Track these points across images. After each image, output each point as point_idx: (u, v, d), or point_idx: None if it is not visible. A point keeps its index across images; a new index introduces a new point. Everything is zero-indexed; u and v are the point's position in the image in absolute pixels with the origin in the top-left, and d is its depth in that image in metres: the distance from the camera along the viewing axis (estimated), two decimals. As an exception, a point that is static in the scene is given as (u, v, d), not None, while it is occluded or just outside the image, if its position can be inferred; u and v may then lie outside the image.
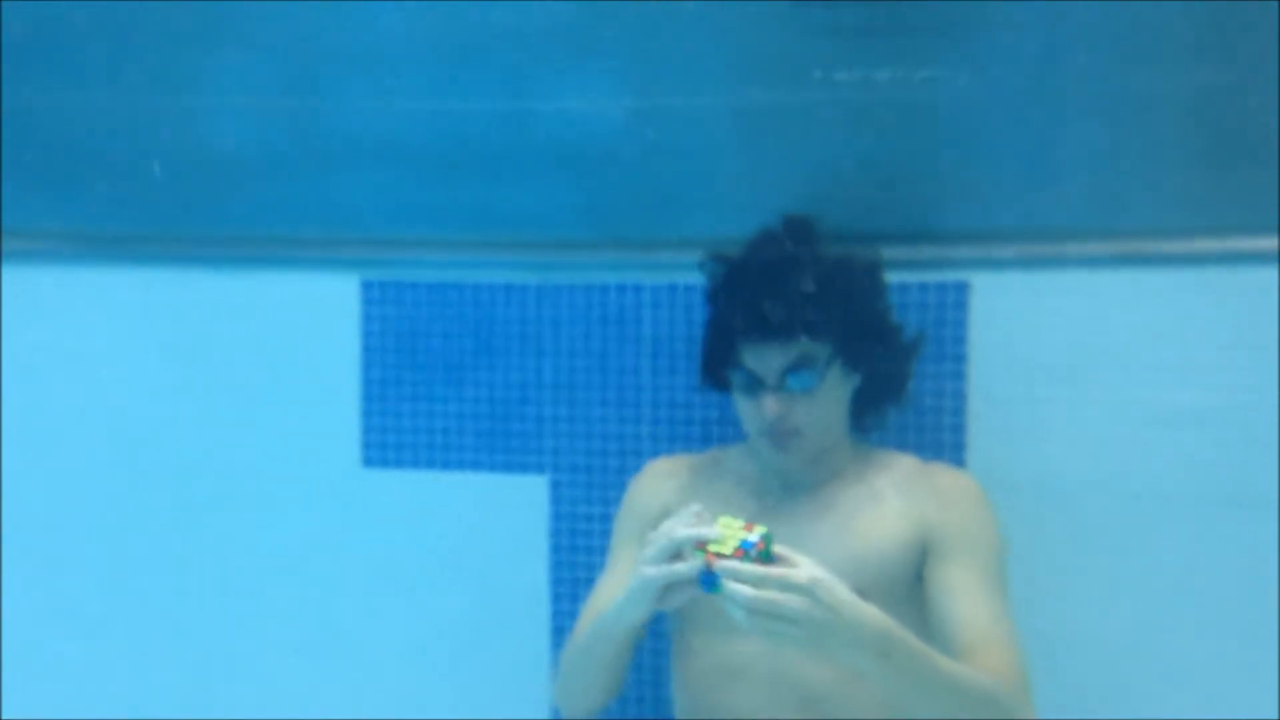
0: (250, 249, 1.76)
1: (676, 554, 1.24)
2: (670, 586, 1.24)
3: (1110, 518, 1.59)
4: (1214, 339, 1.54)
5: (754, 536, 1.18)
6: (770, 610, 1.14)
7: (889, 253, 1.57)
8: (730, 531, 1.20)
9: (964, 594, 1.37)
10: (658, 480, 1.56)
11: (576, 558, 1.73)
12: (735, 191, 1.62)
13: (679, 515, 1.27)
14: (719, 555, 1.18)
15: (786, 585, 1.15)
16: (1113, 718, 1.60)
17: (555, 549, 1.74)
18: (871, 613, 1.19)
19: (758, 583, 1.15)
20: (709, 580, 1.18)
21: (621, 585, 1.32)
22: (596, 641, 1.41)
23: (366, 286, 1.75)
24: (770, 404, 1.39)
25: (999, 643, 1.33)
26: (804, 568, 1.16)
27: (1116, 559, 1.59)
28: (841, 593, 1.17)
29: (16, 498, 1.87)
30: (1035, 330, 1.59)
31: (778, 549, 1.18)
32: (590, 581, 1.59)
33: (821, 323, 1.38)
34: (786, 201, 1.55)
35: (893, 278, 1.58)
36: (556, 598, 1.74)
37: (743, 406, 1.44)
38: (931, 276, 1.61)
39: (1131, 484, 1.58)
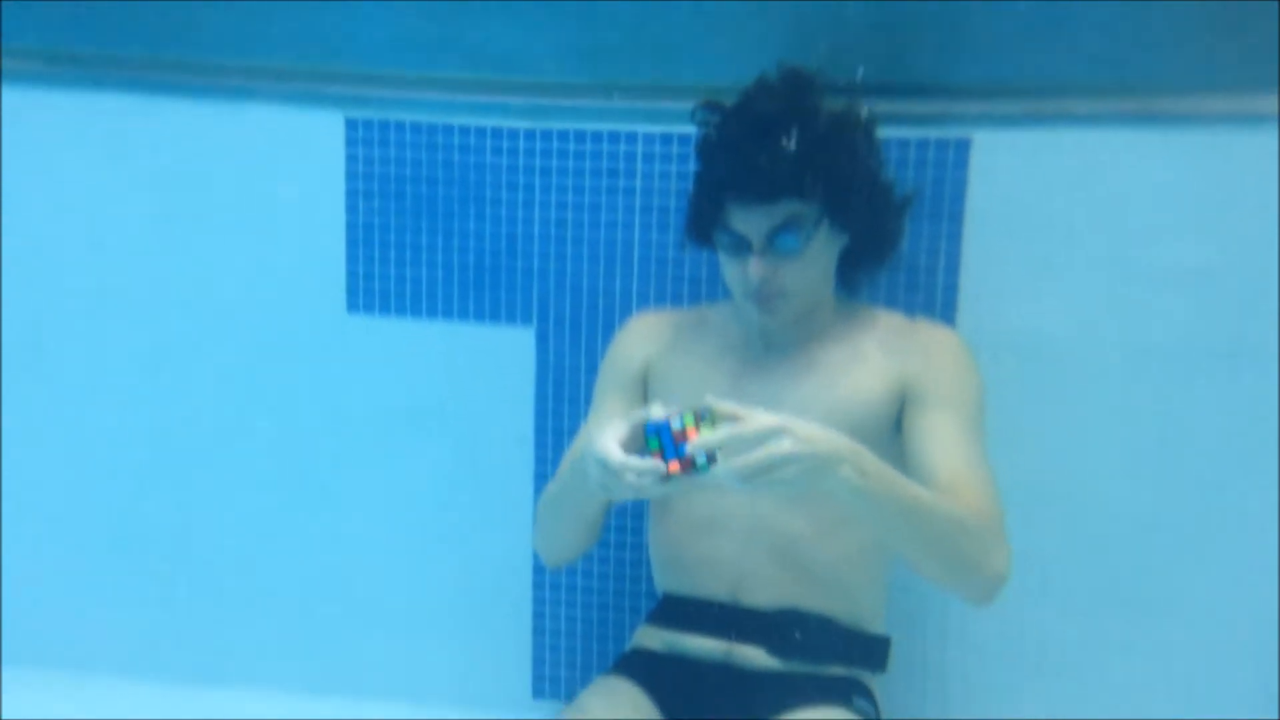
0: (233, 79, 1.69)
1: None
2: (668, 482, 1.23)
3: (1101, 374, 1.59)
4: (1214, 198, 1.52)
5: (689, 413, 1.20)
6: (761, 466, 1.16)
7: (890, 107, 1.54)
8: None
9: (941, 441, 1.38)
10: (641, 334, 1.55)
11: (561, 408, 1.73)
12: (737, 38, 1.57)
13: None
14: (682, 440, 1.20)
15: (763, 435, 1.17)
16: (1088, 577, 1.64)
17: (540, 399, 1.74)
18: (839, 436, 1.22)
19: (736, 445, 1.17)
20: (701, 465, 1.19)
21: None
22: (566, 504, 1.43)
23: (351, 125, 1.69)
24: (755, 266, 1.37)
25: (974, 486, 1.35)
26: (763, 416, 1.18)
27: (1105, 415, 1.61)
28: (808, 427, 1.20)
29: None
30: (1035, 189, 1.56)
31: (721, 408, 1.20)
32: (574, 433, 1.60)
33: (810, 184, 1.35)
34: (789, 49, 1.49)
35: (893, 134, 1.55)
36: (540, 447, 1.75)
37: (728, 267, 1.42)
38: (933, 133, 1.57)
39: (1123, 341, 1.58)
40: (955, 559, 1.30)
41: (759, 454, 1.16)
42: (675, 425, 1.20)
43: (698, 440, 1.19)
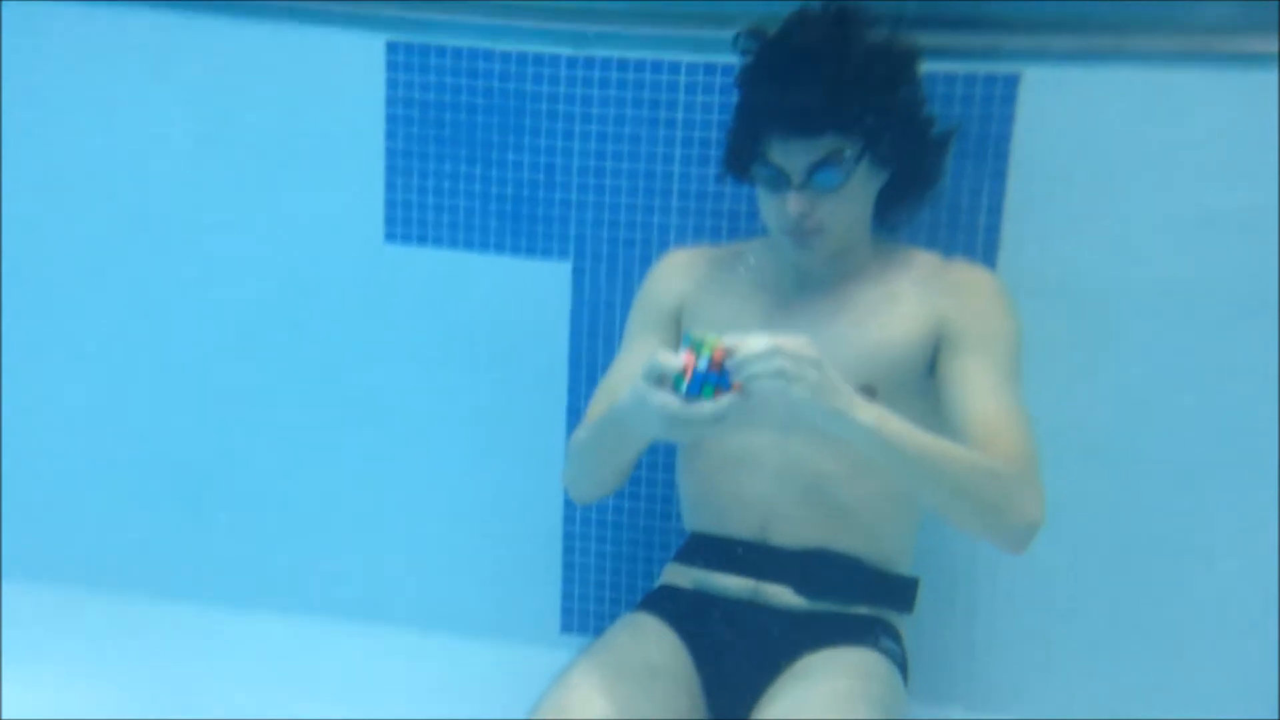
0: (276, -2, 1.68)
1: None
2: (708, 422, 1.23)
3: (1143, 320, 1.56)
4: (1267, 141, 1.47)
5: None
6: (780, 369, 1.19)
7: (937, 39, 1.50)
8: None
9: (975, 385, 1.36)
10: (675, 271, 1.54)
11: (596, 343, 1.73)
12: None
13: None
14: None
15: (794, 353, 1.20)
16: (1122, 524, 1.62)
17: (575, 334, 1.74)
18: (860, 394, 1.26)
19: (769, 354, 1.20)
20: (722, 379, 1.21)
21: (631, 375, 1.31)
22: (600, 445, 1.42)
23: (391, 49, 1.68)
24: (794, 201, 1.36)
25: (1009, 430, 1.33)
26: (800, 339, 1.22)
27: (1147, 362, 1.58)
28: (834, 369, 1.24)
29: (32, 247, 1.84)
30: (1083, 129, 1.53)
31: (727, 341, 1.22)
32: (608, 367, 1.59)
33: (852, 119, 1.32)
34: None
35: (939, 69, 1.52)
36: (574, 381, 1.75)
37: (765, 202, 1.41)
38: (981, 68, 1.53)
39: (1164, 286, 1.55)
40: (984, 508, 1.29)
41: (782, 361, 1.19)
42: (705, 361, 1.21)
43: (738, 361, 1.20)
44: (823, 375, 1.21)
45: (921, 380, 1.42)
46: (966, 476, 1.28)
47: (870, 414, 1.24)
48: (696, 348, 1.21)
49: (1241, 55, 1.47)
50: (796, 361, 1.20)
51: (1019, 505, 1.30)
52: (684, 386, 1.21)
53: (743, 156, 1.41)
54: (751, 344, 1.20)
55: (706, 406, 1.21)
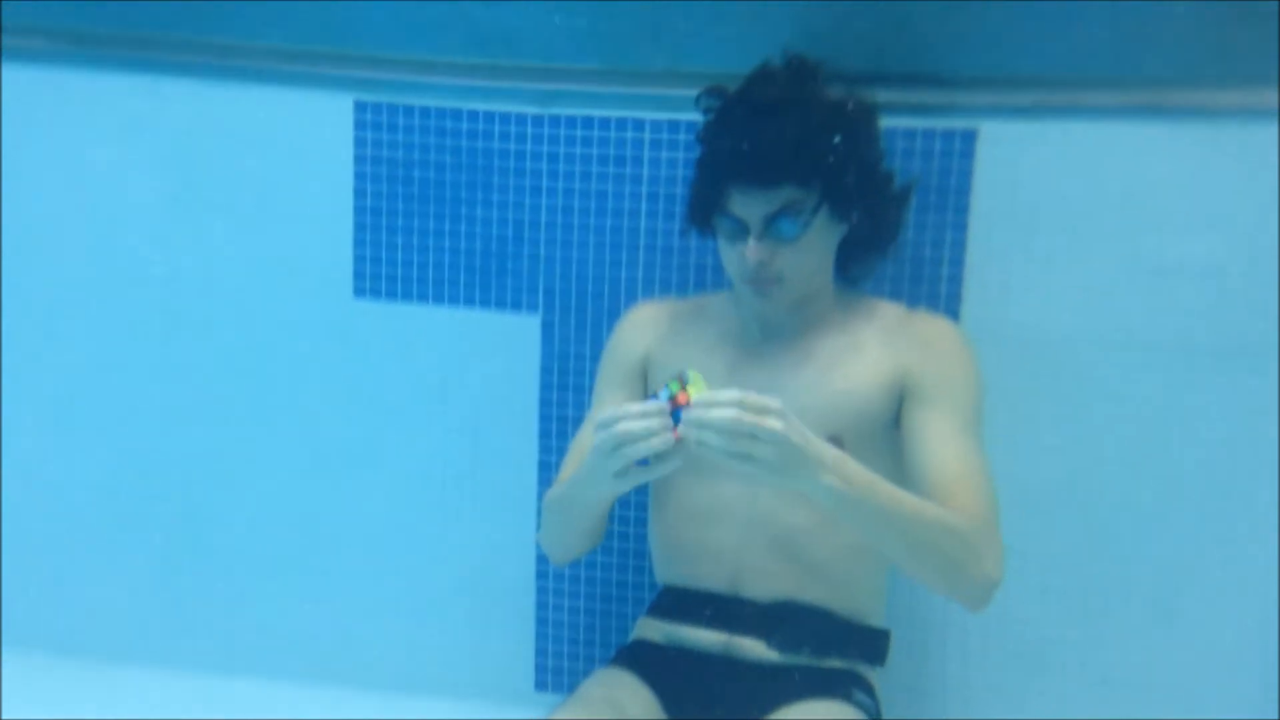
0: (244, 60, 1.70)
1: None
2: (649, 464, 1.25)
3: (1104, 369, 1.58)
4: (1222, 192, 1.51)
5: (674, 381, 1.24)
6: (747, 429, 1.18)
7: (897, 96, 1.54)
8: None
9: (938, 438, 1.38)
10: (641, 324, 1.55)
11: (565, 396, 1.73)
12: (745, 26, 1.56)
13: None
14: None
15: (760, 407, 1.19)
16: (1090, 567, 1.63)
17: (545, 387, 1.74)
18: (827, 445, 1.25)
19: (731, 427, 1.18)
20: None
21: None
22: (570, 506, 1.43)
23: (360, 108, 1.70)
24: (753, 250, 1.37)
25: (970, 484, 1.34)
26: (766, 397, 1.20)
27: (1108, 410, 1.59)
28: (801, 425, 1.22)
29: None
30: (1041, 181, 1.56)
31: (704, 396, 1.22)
32: (579, 421, 1.60)
33: (809, 170, 1.35)
34: (796, 37, 1.49)
35: (899, 124, 1.55)
36: (544, 434, 1.75)
37: (726, 252, 1.43)
38: (939, 123, 1.57)
39: (1127, 336, 1.57)
40: (944, 565, 1.30)
41: (749, 418, 1.18)
42: (667, 392, 1.23)
43: (695, 416, 1.20)
44: (786, 430, 1.20)
45: (887, 430, 1.43)
46: (928, 533, 1.29)
47: (832, 468, 1.23)
48: (670, 384, 1.23)
49: (1192, 108, 1.51)
50: (759, 417, 1.19)
51: (978, 563, 1.31)
52: None
53: (704, 208, 1.43)
54: (719, 397, 1.21)
55: (639, 446, 1.22)
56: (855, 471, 1.25)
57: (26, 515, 1.90)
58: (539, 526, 1.55)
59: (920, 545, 1.29)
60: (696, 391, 1.22)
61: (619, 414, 1.24)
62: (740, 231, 1.39)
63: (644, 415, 1.23)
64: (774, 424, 1.18)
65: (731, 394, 1.20)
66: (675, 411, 1.22)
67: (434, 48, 1.66)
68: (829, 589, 1.45)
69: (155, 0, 1.70)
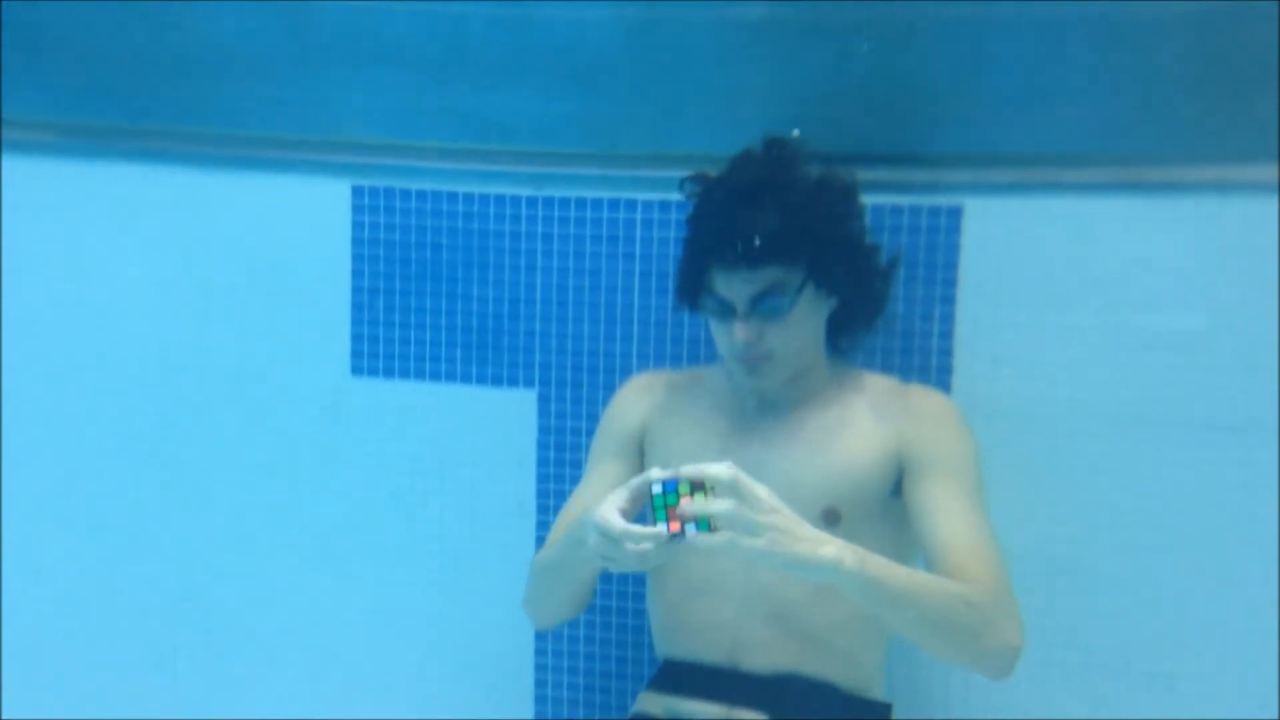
0: (241, 149, 1.74)
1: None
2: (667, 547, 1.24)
3: (1094, 443, 1.59)
4: (1205, 266, 1.53)
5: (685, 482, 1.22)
6: (736, 552, 1.19)
7: (884, 175, 1.57)
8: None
9: (945, 511, 1.38)
10: (635, 397, 1.56)
11: (563, 470, 1.74)
12: (731, 107, 1.60)
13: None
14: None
15: (755, 525, 1.19)
16: (1089, 642, 1.63)
17: (542, 462, 1.75)
18: (833, 540, 1.23)
19: (731, 521, 1.18)
20: (692, 530, 1.21)
21: (593, 500, 1.33)
22: (557, 571, 1.44)
23: (357, 192, 1.74)
24: (741, 330, 1.39)
25: (982, 555, 1.35)
26: (766, 509, 1.20)
27: (1098, 484, 1.60)
28: (803, 526, 1.22)
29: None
30: (1027, 256, 1.58)
31: (717, 473, 1.21)
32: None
33: (792, 250, 1.37)
34: (782, 119, 1.53)
35: (886, 200, 1.58)
36: (542, 509, 1.75)
37: (716, 330, 1.45)
38: (925, 200, 1.60)
39: (1116, 409, 1.58)
40: (963, 639, 1.30)
41: (739, 543, 1.18)
42: (675, 490, 1.22)
43: (693, 506, 1.20)
44: (779, 525, 1.20)
45: (884, 503, 1.44)
46: (943, 609, 1.29)
47: (832, 553, 1.22)
48: (681, 486, 1.22)
49: (1170, 184, 1.53)
50: (753, 513, 1.19)
51: (997, 633, 1.30)
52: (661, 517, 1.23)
53: (691, 288, 1.46)
54: (761, 507, 1.20)
55: (641, 543, 1.22)
56: (869, 559, 1.25)
57: (23, 600, 1.89)
58: (525, 589, 1.54)
59: (935, 619, 1.29)
60: (702, 497, 1.21)
61: (620, 532, 1.23)
62: (728, 311, 1.41)
63: (640, 542, 1.23)
64: (767, 518, 1.19)
65: (723, 470, 1.20)
66: (669, 488, 1.22)
67: (428, 134, 1.70)
68: (829, 661, 1.45)
69: (156, 93, 1.74)
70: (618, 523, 1.24)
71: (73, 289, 1.83)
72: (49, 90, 1.77)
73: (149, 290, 1.81)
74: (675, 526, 1.21)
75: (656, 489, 1.23)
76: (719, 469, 1.20)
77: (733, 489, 1.20)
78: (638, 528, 1.23)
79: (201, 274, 1.80)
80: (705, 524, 1.20)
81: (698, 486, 1.21)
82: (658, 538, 1.22)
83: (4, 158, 1.80)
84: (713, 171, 1.45)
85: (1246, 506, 1.56)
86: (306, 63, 1.68)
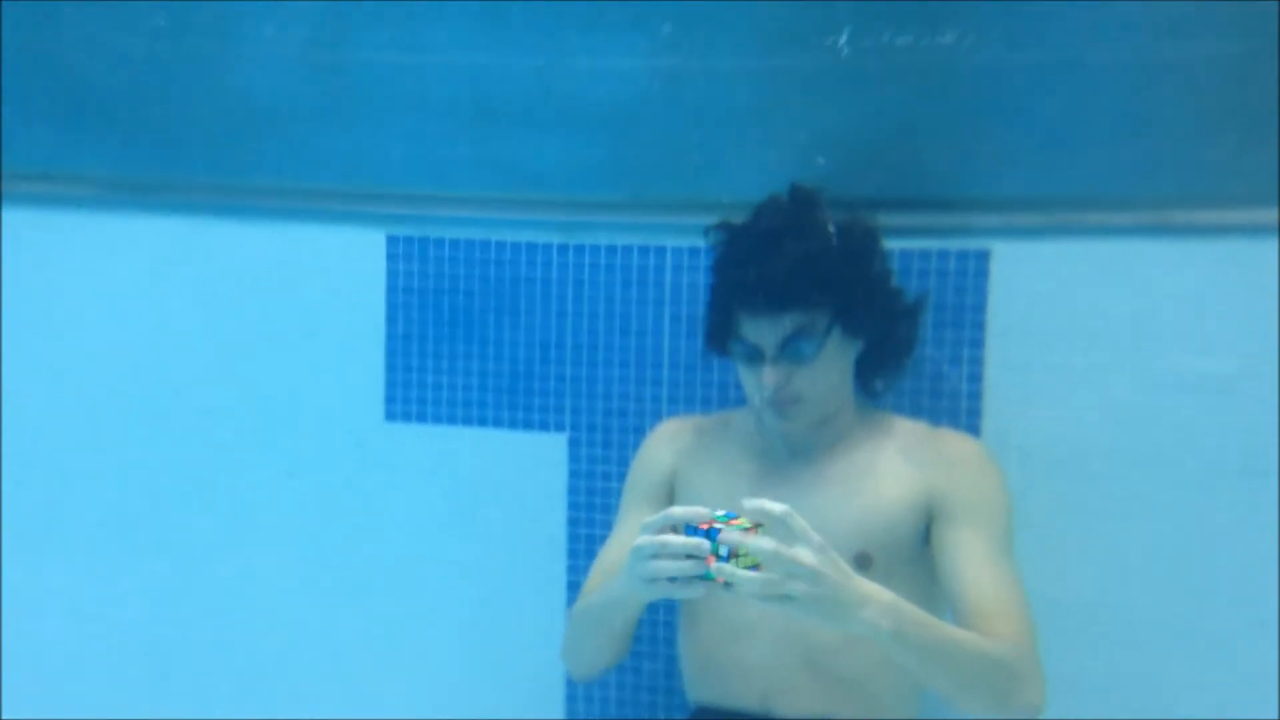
0: (278, 200, 1.77)
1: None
2: (679, 582, 1.23)
3: (1125, 485, 1.58)
4: (1234, 309, 1.53)
5: (746, 523, 1.20)
6: (780, 592, 1.16)
7: (912, 220, 1.59)
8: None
9: (972, 560, 1.38)
10: (665, 443, 1.57)
11: (593, 515, 1.75)
12: (759, 155, 1.62)
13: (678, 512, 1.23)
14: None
15: (793, 567, 1.16)
16: (1122, 687, 1.61)
17: (572, 506, 1.76)
18: (874, 586, 1.22)
19: (769, 560, 1.16)
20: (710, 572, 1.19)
21: (627, 547, 1.31)
22: (597, 616, 1.44)
23: (392, 241, 1.77)
24: (769, 374, 1.40)
25: (1009, 609, 1.34)
26: (804, 552, 1.17)
27: (1130, 528, 1.59)
28: (842, 570, 1.19)
29: (42, 441, 1.91)
30: (1055, 299, 1.58)
31: (771, 507, 1.19)
32: (606, 539, 1.61)
33: (817, 294, 1.38)
34: (809, 166, 1.56)
35: (914, 245, 1.60)
36: (573, 553, 1.76)
37: (744, 375, 1.46)
38: (953, 244, 1.61)
39: (1147, 453, 1.58)
40: (989, 695, 1.29)
41: (780, 581, 1.16)
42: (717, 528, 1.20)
43: (734, 539, 1.17)
44: (819, 566, 1.17)
45: (914, 548, 1.44)
46: (972, 665, 1.28)
47: (879, 605, 1.21)
48: (717, 516, 1.21)
49: (1198, 227, 1.54)
50: (791, 576, 1.16)
51: (1022, 691, 1.30)
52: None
53: (719, 334, 1.47)
54: (798, 554, 1.17)
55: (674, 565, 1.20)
56: (905, 609, 1.24)
57: (53, 644, 1.92)
58: (564, 639, 1.55)
59: (966, 677, 1.28)
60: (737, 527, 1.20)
61: (662, 542, 1.22)
62: (756, 356, 1.42)
63: (684, 548, 1.21)
64: (808, 559, 1.16)
65: (780, 508, 1.18)
66: (713, 531, 1.20)
67: (461, 184, 1.73)
68: (862, 706, 1.44)
69: (195, 147, 1.78)
70: (661, 537, 1.22)
71: (109, 338, 1.87)
72: (88, 144, 1.82)
73: (186, 339, 1.85)
74: (710, 561, 1.19)
75: (689, 529, 1.22)
76: (774, 506, 1.18)
77: (784, 526, 1.18)
78: (679, 538, 1.21)
79: (240, 323, 1.83)
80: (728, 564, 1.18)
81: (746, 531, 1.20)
82: (696, 551, 1.19)
83: (43, 210, 1.85)
84: (739, 218, 1.47)
85: (1271, 550, 1.54)
86: (342, 115, 1.72)
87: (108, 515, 1.90)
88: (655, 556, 1.22)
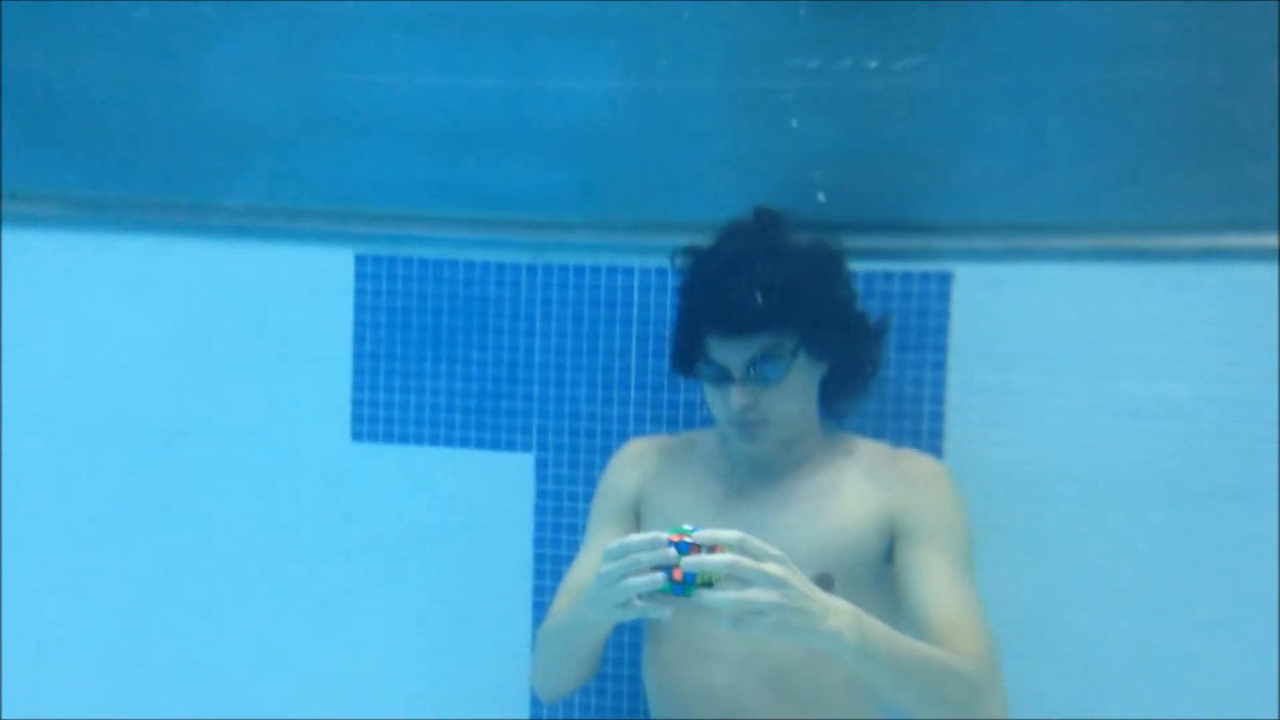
0: (247, 219, 1.78)
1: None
2: (643, 599, 1.22)
3: (1085, 508, 1.60)
4: (1193, 333, 1.55)
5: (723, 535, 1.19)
6: (747, 605, 1.16)
7: (876, 242, 1.60)
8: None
9: (933, 579, 1.39)
10: (631, 462, 1.58)
11: (560, 535, 1.75)
12: (725, 176, 1.64)
13: (635, 540, 1.22)
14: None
15: (760, 576, 1.17)
16: (1079, 705, 1.62)
17: (539, 526, 1.76)
18: (838, 601, 1.22)
19: (729, 569, 1.17)
20: (680, 587, 1.19)
21: (594, 568, 1.32)
22: (565, 638, 1.44)
23: (360, 261, 1.77)
24: (736, 395, 1.41)
25: (970, 626, 1.35)
26: (770, 563, 1.18)
27: (1090, 549, 1.61)
28: (807, 584, 1.20)
29: (9, 459, 1.90)
30: (1016, 322, 1.60)
31: (724, 535, 1.19)
32: (573, 559, 1.61)
33: (784, 316, 1.40)
34: (775, 187, 1.57)
35: (876, 267, 1.61)
36: (539, 574, 1.76)
37: (711, 396, 1.46)
38: (915, 266, 1.63)
39: (1107, 475, 1.59)
40: (952, 709, 1.30)
41: (748, 593, 1.16)
42: (686, 551, 1.20)
43: (695, 559, 1.18)
44: (785, 575, 1.18)
45: (876, 568, 1.44)
46: (936, 680, 1.29)
47: (844, 618, 1.21)
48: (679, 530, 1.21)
49: (1157, 251, 1.56)
50: (757, 563, 1.17)
51: (985, 706, 1.31)
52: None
53: (687, 356, 1.48)
54: (719, 535, 1.18)
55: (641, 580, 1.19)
56: (869, 621, 1.24)
57: (26, 664, 1.90)
58: (532, 662, 1.54)
59: (930, 691, 1.29)
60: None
61: (627, 543, 1.22)
62: (723, 377, 1.43)
63: (652, 545, 1.20)
64: (773, 569, 1.17)
65: (732, 534, 1.19)
66: (682, 544, 1.20)
67: (431, 204, 1.74)
68: (824, 726, 1.44)
69: (162, 165, 1.79)
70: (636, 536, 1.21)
71: (77, 357, 1.87)
72: (57, 163, 1.82)
73: (154, 357, 1.85)
74: (677, 574, 1.19)
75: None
76: (727, 533, 1.19)
77: (741, 549, 1.18)
78: (641, 536, 1.21)
79: (206, 341, 1.83)
80: (693, 585, 1.18)
81: (702, 547, 1.20)
82: (656, 544, 1.19)
83: (11, 229, 1.85)
84: (705, 241, 1.48)
85: (1243, 573, 1.55)
86: (312, 135, 1.73)
87: (73, 534, 1.89)
88: (623, 577, 1.21)
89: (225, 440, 1.84)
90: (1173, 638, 1.59)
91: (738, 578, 1.17)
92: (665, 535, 1.22)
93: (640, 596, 1.21)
